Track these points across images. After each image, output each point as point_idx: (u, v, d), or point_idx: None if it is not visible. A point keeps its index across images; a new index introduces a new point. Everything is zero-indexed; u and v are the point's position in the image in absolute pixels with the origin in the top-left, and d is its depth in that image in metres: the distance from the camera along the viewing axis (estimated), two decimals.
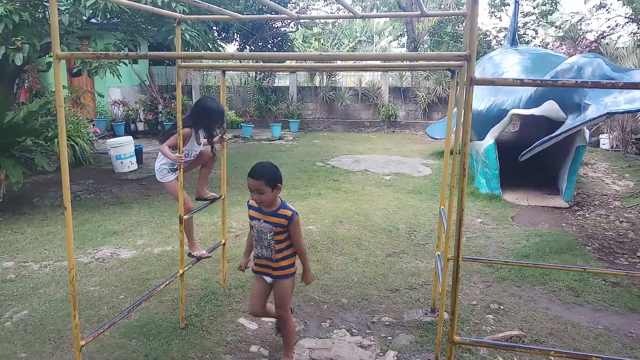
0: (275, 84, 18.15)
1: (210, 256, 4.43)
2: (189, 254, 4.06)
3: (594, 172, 10.47)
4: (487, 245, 5.98)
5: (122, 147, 9.79)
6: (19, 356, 3.55)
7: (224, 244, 4.61)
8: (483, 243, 6.06)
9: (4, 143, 7.10)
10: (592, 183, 9.38)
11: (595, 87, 2.02)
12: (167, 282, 3.68)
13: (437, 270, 3.95)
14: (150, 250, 5.64)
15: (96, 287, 4.69)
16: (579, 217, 7.27)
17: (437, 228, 6.46)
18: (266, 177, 3.05)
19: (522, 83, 2.10)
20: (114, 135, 13.22)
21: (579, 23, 18.46)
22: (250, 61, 14.17)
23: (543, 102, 7.05)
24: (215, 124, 4.06)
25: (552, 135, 6.43)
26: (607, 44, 15.64)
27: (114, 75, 7.65)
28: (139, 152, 10.52)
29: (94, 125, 12.68)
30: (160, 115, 15.24)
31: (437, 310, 4.26)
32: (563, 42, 17.61)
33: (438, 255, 3.99)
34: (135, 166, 10.08)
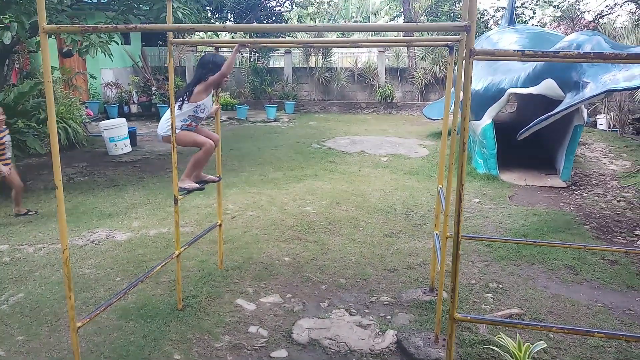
0: (270, 65, 17.92)
1: (203, 188, 4.20)
2: (180, 188, 3.86)
3: (591, 152, 10.45)
4: (485, 225, 5.95)
5: (116, 129, 9.68)
6: (16, 338, 3.52)
7: (220, 225, 4.57)
8: (481, 223, 6.04)
9: None
10: (589, 163, 9.35)
11: (599, 59, 1.96)
12: (164, 263, 3.64)
13: (435, 249, 3.92)
14: (145, 233, 5.59)
15: (92, 269, 4.65)
16: (576, 197, 7.25)
17: (434, 208, 6.47)
18: None
19: (522, 54, 2.04)
20: (107, 118, 13.06)
21: (577, 2, 18.25)
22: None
23: (541, 80, 6.97)
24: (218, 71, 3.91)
25: (551, 113, 6.36)
26: (605, 23, 15.49)
27: (105, 54, 7.49)
28: (132, 134, 10.41)
29: (86, 107, 12.52)
30: (154, 97, 15.06)
31: (436, 290, 4.24)
32: (561, 22, 17.45)
33: (436, 234, 3.96)
34: (129, 148, 9.99)
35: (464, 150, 2.03)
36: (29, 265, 4.72)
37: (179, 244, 3.83)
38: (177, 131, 3.88)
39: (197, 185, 4.08)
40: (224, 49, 17.39)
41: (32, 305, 3.97)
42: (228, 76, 4.01)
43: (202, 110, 4.01)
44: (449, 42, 3.60)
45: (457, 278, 2.10)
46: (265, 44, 4.05)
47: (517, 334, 2.40)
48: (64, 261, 2.57)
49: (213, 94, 4.19)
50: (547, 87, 6.85)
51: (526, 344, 2.12)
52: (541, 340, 3.37)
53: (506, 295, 4.28)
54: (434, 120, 12.66)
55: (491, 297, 4.22)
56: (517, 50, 1.97)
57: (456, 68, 6.52)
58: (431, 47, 15.78)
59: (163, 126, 3.98)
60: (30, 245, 5.20)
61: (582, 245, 3.28)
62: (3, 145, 6.08)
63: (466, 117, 2.00)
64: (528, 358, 2.01)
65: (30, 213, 6.27)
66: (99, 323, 3.68)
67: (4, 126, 6.17)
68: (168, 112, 3.88)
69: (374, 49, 17.41)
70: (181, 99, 3.96)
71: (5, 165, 6.06)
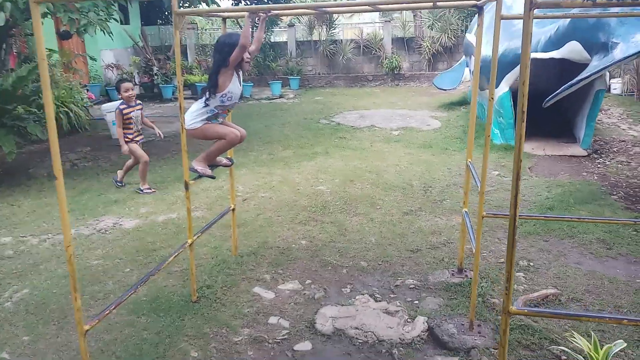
0: (273, 40, 17.44)
1: (215, 177, 4.00)
2: (191, 168, 3.63)
3: (609, 117, 10.07)
4: (507, 199, 5.66)
5: None
6: (21, 339, 3.30)
7: (233, 210, 4.31)
8: (503, 196, 5.76)
9: None
10: (608, 129, 8.99)
11: None
12: (176, 254, 3.40)
13: (465, 228, 3.66)
14: (154, 219, 5.35)
15: (100, 260, 4.42)
16: (599, 165, 6.94)
17: (452, 183, 6.19)
18: None
19: (594, 3, 1.73)
20: (109, 100, 12.73)
21: None
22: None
23: (564, 43, 6.58)
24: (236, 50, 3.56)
25: (579, 77, 5.96)
26: None
27: (104, 32, 7.14)
28: None
29: (87, 90, 12.20)
30: (156, 77, 14.70)
31: (465, 271, 4.00)
32: None
33: (465, 212, 3.68)
34: None
35: (523, 120, 1.74)
36: (33, 258, 4.49)
37: (192, 232, 3.58)
38: (202, 124, 3.66)
39: (209, 172, 3.81)
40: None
41: (38, 301, 3.74)
42: (250, 54, 3.63)
43: (229, 98, 3.66)
44: (479, 3, 3.26)
45: (512, 267, 1.83)
46: (279, 10, 3.70)
47: (592, 333, 2.16)
48: (68, 259, 2.32)
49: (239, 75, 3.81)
50: (572, 50, 6.45)
51: (606, 345, 1.86)
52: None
53: (538, 273, 4.02)
54: (445, 90, 12.27)
55: (523, 277, 3.97)
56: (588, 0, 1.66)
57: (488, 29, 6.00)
58: (439, 15, 15.26)
59: (188, 120, 3.66)
60: (35, 237, 4.97)
61: (632, 221, 3.00)
62: (130, 120, 6.36)
63: (525, 81, 1.71)
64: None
65: (120, 184, 6.60)
66: (109, 320, 3.45)
67: (138, 101, 6.53)
68: (193, 106, 3.70)
69: (377, 19, 16.90)
70: (207, 93, 3.63)
71: (132, 139, 6.45)
